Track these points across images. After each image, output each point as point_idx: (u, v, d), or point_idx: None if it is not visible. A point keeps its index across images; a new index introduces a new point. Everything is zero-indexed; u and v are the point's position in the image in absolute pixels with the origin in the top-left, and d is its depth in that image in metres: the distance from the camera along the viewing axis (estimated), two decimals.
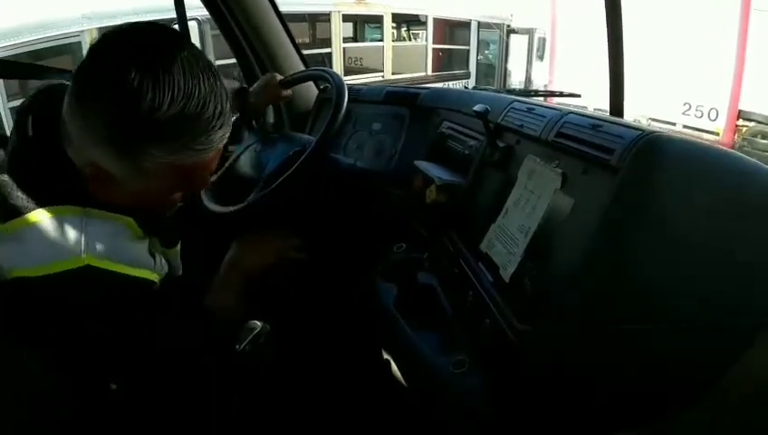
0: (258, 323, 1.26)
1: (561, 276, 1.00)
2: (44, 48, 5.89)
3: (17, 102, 5.67)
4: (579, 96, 2.15)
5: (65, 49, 6.10)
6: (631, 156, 0.93)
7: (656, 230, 0.94)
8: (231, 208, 1.53)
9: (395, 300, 1.38)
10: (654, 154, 0.93)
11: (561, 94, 2.09)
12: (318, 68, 2.04)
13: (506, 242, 1.17)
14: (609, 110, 1.84)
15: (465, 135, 1.60)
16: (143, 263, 1.01)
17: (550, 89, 9.35)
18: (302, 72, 2.05)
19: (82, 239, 0.91)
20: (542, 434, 1.06)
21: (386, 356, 1.54)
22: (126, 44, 0.86)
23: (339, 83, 1.62)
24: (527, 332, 1.00)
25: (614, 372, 1.00)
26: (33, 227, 0.90)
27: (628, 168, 0.93)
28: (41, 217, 0.90)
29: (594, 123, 1.08)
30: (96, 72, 0.85)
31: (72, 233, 0.90)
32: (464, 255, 1.30)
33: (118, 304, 0.94)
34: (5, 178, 0.94)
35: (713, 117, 7.12)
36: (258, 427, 1.26)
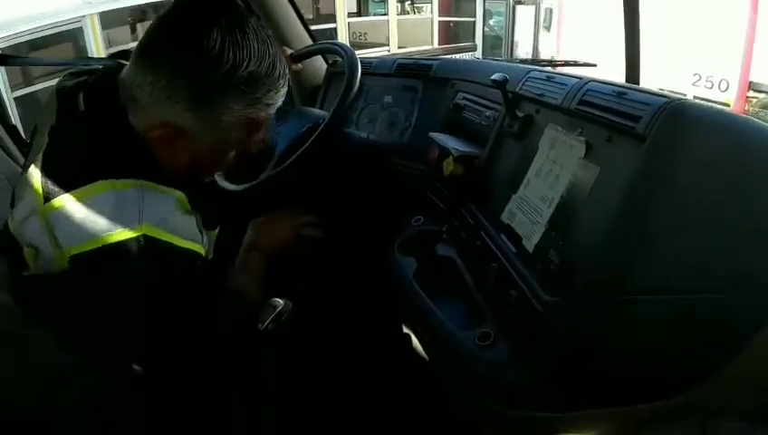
0: (280, 301, 1.24)
1: (587, 247, 0.98)
2: (45, 36, 5.88)
3: (21, 92, 5.65)
4: (594, 65, 2.11)
5: (66, 36, 6.08)
6: (658, 123, 0.91)
7: (683, 199, 0.92)
8: (244, 186, 1.52)
9: (414, 273, 1.36)
10: (681, 122, 0.91)
11: (576, 64, 2.05)
12: (328, 41, 2.01)
13: (529, 212, 1.15)
14: (624, 79, 1.81)
15: (481, 105, 1.57)
16: (193, 236, 1.02)
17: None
18: (312, 45, 2.02)
19: (139, 210, 0.92)
20: (567, 405, 1.05)
21: (406, 330, 1.53)
22: (202, 11, 0.93)
23: (351, 56, 1.59)
24: (554, 303, 0.99)
25: (640, 343, 0.99)
26: (88, 201, 0.90)
27: (655, 135, 0.91)
28: (95, 191, 0.91)
29: (618, 91, 1.06)
30: (177, 35, 0.92)
31: (129, 204, 0.91)
32: (484, 226, 1.29)
33: (169, 275, 0.95)
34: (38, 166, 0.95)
35: (723, 88, 7.01)
36: (278, 404, 1.25)
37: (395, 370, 1.40)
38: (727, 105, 7.04)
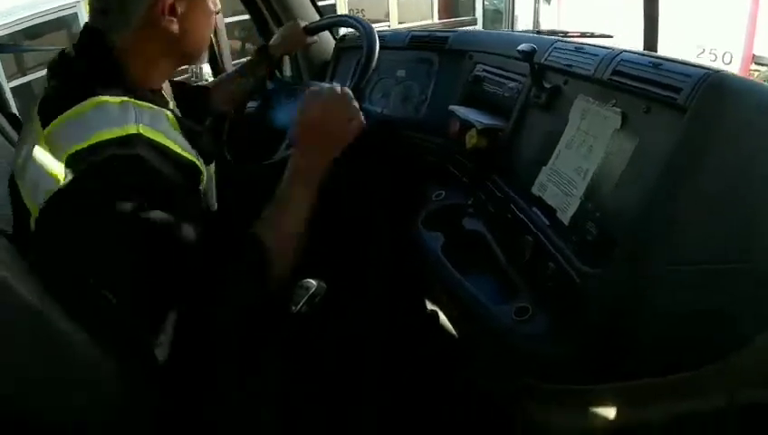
0: (313, 281, 1.21)
1: (625, 218, 0.97)
2: (40, 23, 5.80)
3: (18, 82, 5.60)
4: (611, 37, 2.08)
5: (62, 23, 6.01)
6: (699, 95, 0.90)
7: (724, 170, 0.91)
8: (258, 163, 1.48)
9: (442, 248, 1.35)
10: (722, 93, 0.90)
11: (593, 35, 2.02)
12: (343, 15, 1.98)
13: (562, 185, 1.14)
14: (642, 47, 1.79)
15: (503, 77, 1.55)
16: (189, 150, 1.01)
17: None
18: (327, 18, 1.99)
19: (134, 116, 0.93)
20: (603, 377, 1.05)
21: (432, 308, 1.51)
22: None
23: (369, 30, 1.55)
24: (593, 274, 0.98)
25: (676, 312, 0.98)
26: (82, 114, 0.91)
27: (697, 106, 0.90)
28: (88, 106, 0.92)
29: (653, 61, 1.05)
30: None
31: (124, 111, 0.93)
32: (513, 199, 1.28)
33: (167, 178, 0.94)
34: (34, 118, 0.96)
35: (727, 61, 6.98)
36: (303, 385, 1.22)
37: (423, 346, 1.38)
38: None
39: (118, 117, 0.91)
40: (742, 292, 1.00)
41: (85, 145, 0.87)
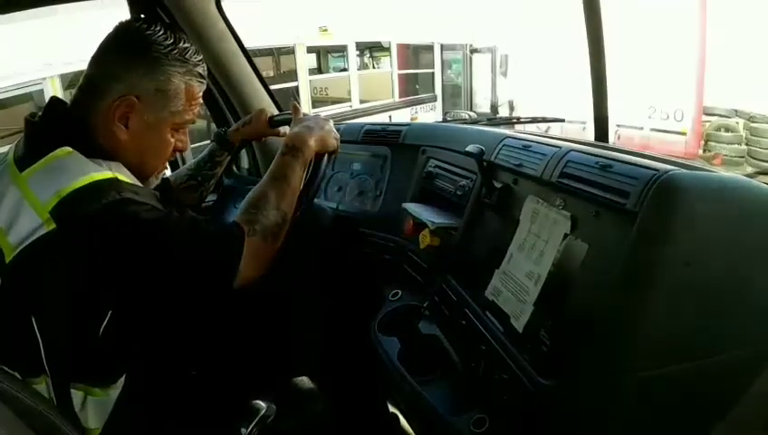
0: (263, 403, 1.19)
1: (580, 327, 0.94)
2: (5, 98, 5.81)
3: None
4: (563, 120, 2.10)
5: (26, 98, 6.02)
6: (648, 199, 0.89)
7: (675, 273, 0.88)
8: None
9: (398, 354, 1.31)
10: (672, 196, 0.88)
11: (545, 120, 2.04)
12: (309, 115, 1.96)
13: (515, 289, 1.11)
14: (594, 138, 1.81)
15: (454, 174, 1.54)
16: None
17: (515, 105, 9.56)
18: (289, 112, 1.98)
19: (106, 166, 1.05)
20: None
21: (393, 410, 1.45)
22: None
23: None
24: (549, 387, 0.94)
25: (643, 416, 0.94)
26: (57, 161, 1.01)
27: (646, 212, 0.88)
28: (61, 154, 1.02)
29: (601, 162, 1.03)
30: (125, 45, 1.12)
31: (97, 164, 1.04)
32: (467, 303, 1.24)
33: (148, 205, 1.03)
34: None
35: (678, 118, 7.31)
36: None
37: None
38: (683, 133, 7.37)
39: (92, 164, 1.02)
40: (711, 379, 0.96)
41: (69, 191, 0.96)
